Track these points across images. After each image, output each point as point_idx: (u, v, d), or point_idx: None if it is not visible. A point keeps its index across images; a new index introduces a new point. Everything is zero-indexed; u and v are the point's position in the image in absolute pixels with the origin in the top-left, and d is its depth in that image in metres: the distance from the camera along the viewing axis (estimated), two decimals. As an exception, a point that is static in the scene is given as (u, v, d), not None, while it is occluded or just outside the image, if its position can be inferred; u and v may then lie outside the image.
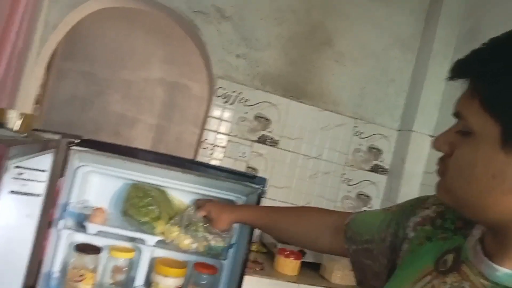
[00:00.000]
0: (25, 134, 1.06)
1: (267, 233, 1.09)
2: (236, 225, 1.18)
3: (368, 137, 2.41)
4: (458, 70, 0.54)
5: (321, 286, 1.85)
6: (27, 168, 1.05)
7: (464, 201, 0.53)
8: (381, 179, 2.44)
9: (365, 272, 0.81)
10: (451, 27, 2.35)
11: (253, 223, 1.05)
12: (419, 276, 0.61)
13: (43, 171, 1.06)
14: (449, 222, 0.65)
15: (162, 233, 1.10)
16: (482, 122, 0.50)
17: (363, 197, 2.42)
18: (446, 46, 2.34)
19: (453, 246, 0.61)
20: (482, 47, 0.52)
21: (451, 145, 0.55)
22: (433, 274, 0.59)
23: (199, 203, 1.14)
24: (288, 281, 1.81)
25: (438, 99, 2.33)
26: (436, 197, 0.70)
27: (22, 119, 1.10)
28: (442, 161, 0.58)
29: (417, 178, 2.30)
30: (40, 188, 1.05)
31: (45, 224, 1.04)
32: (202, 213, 1.10)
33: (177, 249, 1.11)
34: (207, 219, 1.10)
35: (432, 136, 2.31)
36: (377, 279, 0.77)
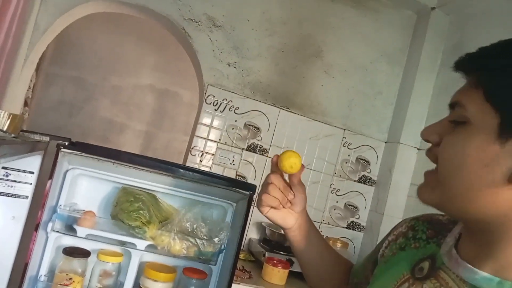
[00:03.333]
0: (14, 135, 1.05)
1: (299, 250, 0.85)
2: (226, 228, 1.18)
3: (356, 148, 2.44)
4: (465, 62, 0.55)
5: (308, 296, 1.85)
6: (14, 170, 1.03)
7: (452, 193, 0.53)
8: (369, 190, 2.46)
9: None
10: (437, 42, 2.41)
11: (306, 228, 0.84)
12: (396, 284, 0.61)
13: (31, 172, 1.05)
14: (420, 232, 0.67)
15: (152, 238, 1.09)
16: (482, 111, 0.51)
17: (351, 208, 2.44)
18: (432, 61, 2.40)
19: (427, 254, 0.62)
20: (491, 45, 0.54)
21: (441, 136, 0.56)
22: (410, 281, 0.60)
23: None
24: (275, 290, 1.80)
25: (425, 112, 2.38)
26: (406, 219, 0.73)
27: (10, 119, 1.09)
28: (431, 152, 0.58)
29: (403, 190, 2.33)
30: (28, 190, 1.04)
31: (32, 226, 1.02)
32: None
33: (167, 253, 1.10)
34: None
35: (419, 149, 2.35)
36: None
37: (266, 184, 0.79)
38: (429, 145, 0.59)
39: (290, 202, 0.80)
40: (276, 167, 0.79)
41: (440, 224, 0.66)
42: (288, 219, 0.81)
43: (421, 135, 0.59)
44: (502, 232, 0.51)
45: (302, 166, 0.79)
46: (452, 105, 0.56)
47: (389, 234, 0.75)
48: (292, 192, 0.80)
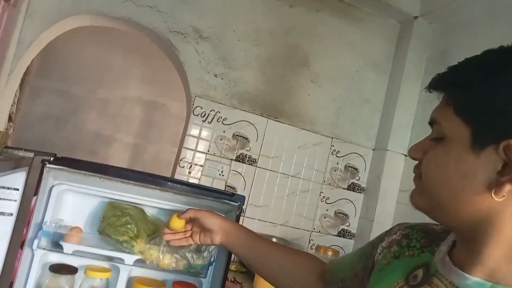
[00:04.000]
0: (-2, 152, 1.03)
1: (244, 259, 0.97)
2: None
3: (344, 156, 2.46)
4: (437, 82, 0.59)
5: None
6: (-2, 187, 1.02)
7: (437, 202, 0.57)
8: (358, 197, 2.48)
9: None
10: (421, 50, 2.45)
11: (238, 240, 0.96)
12: None
13: (15, 189, 1.03)
14: (414, 241, 0.69)
15: (141, 253, 1.08)
16: (455, 126, 0.55)
17: (341, 215, 2.45)
18: (417, 69, 2.44)
19: (421, 263, 0.63)
20: (458, 63, 0.58)
21: (425, 153, 0.60)
22: None
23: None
24: (267, 301, 1.78)
25: (411, 118, 2.41)
26: (400, 225, 0.75)
27: (-6, 136, 1.08)
28: (417, 168, 0.62)
29: (392, 196, 2.35)
30: (12, 207, 1.02)
31: (17, 244, 1.00)
32: (190, 213, 1.00)
33: (156, 268, 1.09)
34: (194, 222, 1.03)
35: (406, 156, 2.38)
36: None
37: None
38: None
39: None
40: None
41: (434, 234, 0.68)
42: (214, 237, 0.99)
43: (408, 153, 0.64)
44: (488, 237, 0.53)
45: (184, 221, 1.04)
46: (431, 123, 0.60)
47: (382, 239, 0.76)
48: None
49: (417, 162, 0.62)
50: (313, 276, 0.89)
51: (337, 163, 2.44)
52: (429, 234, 0.68)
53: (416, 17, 2.44)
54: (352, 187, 2.47)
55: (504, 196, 0.50)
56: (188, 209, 1.02)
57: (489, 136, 0.51)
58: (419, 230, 0.70)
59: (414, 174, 0.63)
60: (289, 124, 2.35)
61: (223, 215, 1.07)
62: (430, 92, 0.60)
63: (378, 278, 0.69)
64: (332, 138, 2.43)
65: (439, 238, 0.65)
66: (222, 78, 2.24)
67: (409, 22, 2.49)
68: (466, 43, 2.12)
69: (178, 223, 1.02)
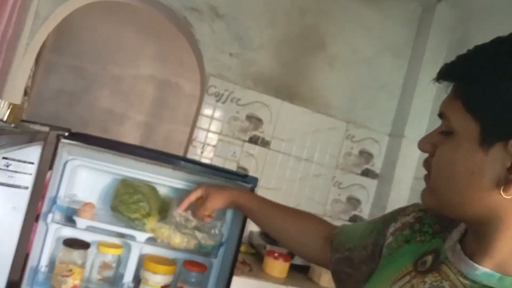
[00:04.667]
0: (14, 125, 1.03)
1: (258, 224, 1.02)
2: (227, 221, 1.17)
3: (359, 141, 2.42)
4: (444, 73, 0.57)
5: (309, 289, 1.85)
6: (14, 160, 1.02)
7: (446, 199, 0.56)
8: (372, 183, 2.45)
9: (344, 282, 0.83)
10: (442, 36, 2.38)
11: (248, 208, 1.00)
12: (398, 276, 0.62)
13: (31, 163, 1.03)
14: (427, 226, 0.68)
15: (152, 231, 1.08)
16: (463, 121, 0.53)
17: (353, 201, 2.43)
18: (437, 54, 2.37)
19: (431, 248, 0.63)
20: (467, 52, 0.55)
21: (434, 146, 0.58)
22: (412, 274, 0.61)
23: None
24: (276, 283, 1.79)
25: (429, 105, 2.36)
26: (415, 206, 0.74)
27: (10, 109, 1.07)
28: (427, 162, 0.61)
29: (407, 183, 2.32)
30: (27, 180, 1.02)
31: (32, 217, 1.01)
32: (197, 193, 1.03)
33: (167, 246, 1.09)
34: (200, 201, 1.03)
35: (422, 142, 2.34)
36: None
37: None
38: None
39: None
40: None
41: (447, 220, 0.67)
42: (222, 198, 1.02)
43: (418, 146, 0.62)
44: (498, 232, 0.52)
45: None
46: (440, 115, 0.58)
47: (395, 218, 0.75)
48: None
49: (427, 155, 0.61)
50: (321, 240, 0.89)
51: (352, 148, 2.41)
52: (442, 219, 0.67)
53: (439, 1, 2.36)
54: (366, 173, 2.44)
55: None
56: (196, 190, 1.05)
57: (498, 133, 0.50)
58: (433, 215, 0.70)
59: (423, 163, 0.62)
60: (303, 107, 2.31)
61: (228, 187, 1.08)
62: (438, 83, 0.58)
63: (388, 261, 0.69)
64: (347, 122, 2.39)
65: (451, 224, 0.65)
66: (237, 58, 2.21)
67: (431, 6, 2.40)
68: (489, 30, 2.05)
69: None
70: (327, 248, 0.86)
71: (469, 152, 0.52)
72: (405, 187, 2.32)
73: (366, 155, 2.44)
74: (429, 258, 0.60)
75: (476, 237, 0.56)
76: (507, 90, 0.49)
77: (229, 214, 1.19)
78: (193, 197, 1.03)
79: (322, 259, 0.88)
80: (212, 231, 1.11)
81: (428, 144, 0.59)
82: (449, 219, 0.66)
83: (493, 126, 0.50)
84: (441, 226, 0.66)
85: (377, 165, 2.45)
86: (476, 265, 0.53)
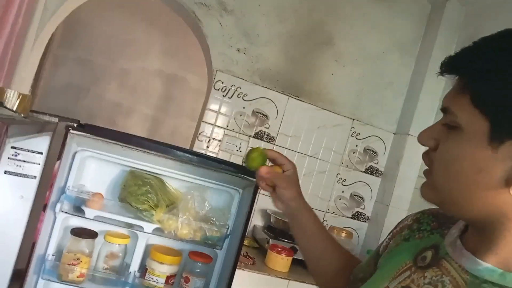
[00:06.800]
0: (23, 115, 1.05)
1: (299, 235, 0.90)
2: (232, 213, 1.19)
3: (364, 138, 2.42)
4: (449, 66, 0.55)
5: (311, 284, 1.86)
6: (23, 150, 1.04)
7: (449, 196, 0.54)
8: (375, 181, 2.45)
9: None
10: (451, 34, 2.37)
11: (303, 213, 0.89)
12: (398, 272, 0.62)
13: (39, 153, 1.05)
14: (425, 224, 0.68)
15: (160, 222, 1.09)
16: (471, 118, 0.51)
17: (357, 198, 2.43)
18: (446, 53, 2.30)
19: (430, 244, 0.62)
20: (472, 45, 0.53)
21: (436, 140, 0.56)
22: (412, 269, 0.60)
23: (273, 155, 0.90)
24: (278, 277, 1.81)
25: (435, 104, 2.35)
26: (413, 214, 0.74)
27: (20, 99, 1.09)
28: (427, 155, 0.59)
29: (410, 182, 2.32)
30: (36, 170, 1.04)
31: (40, 206, 1.03)
32: (278, 169, 0.88)
33: (174, 237, 1.10)
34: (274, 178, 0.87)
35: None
36: None
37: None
38: None
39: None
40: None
41: (444, 217, 0.67)
42: (289, 186, 0.88)
43: (418, 139, 0.59)
44: (503, 229, 0.52)
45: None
46: (444, 110, 0.56)
47: (394, 228, 0.76)
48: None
49: (426, 148, 0.59)
50: (343, 272, 0.87)
51: (356, 145, 2.41)
52: (440, 217, 0.67)
53: (448, -2, 2.35)
54: (370, 170, 2.44)
55: None
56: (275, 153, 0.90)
57: (509, 130, 0.48)
58: (429, 214, 0.70)
59: (423, 156, 0.61)
60: (309, 103, 2.32)
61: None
62: (442, 75, 0.56)
63: (387, 259, 0.69)
64: (353, 119, 2.40)
65: (449, 221, 0.65)
66: (244, 53, 2.21)
67: (441, 3, 2.39)
68: (498, 27, 2.01)
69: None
70: (344, 282, 0.85)
71: (477, 149, 0.50)
72: (409, 186, 2.32)
73: (370, 153, 2.44)
74: (429, 254, 0.60)
75: (478, 233, 0.55)
76: None
77: (234, 205, 1.20)
78: (283, 159, 0.89)
79: (338, 284, 0.87)
80: (222, 224, 1.12)
81: (431, 138, 0.57)
82: (447, 216, 0.67)
83: (504, 123, 0.48)
84: (439, 223, 0.66)
85: (381, 163, 2.45)
86: (478, 260, 0.53)
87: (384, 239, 0.78)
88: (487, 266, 0.52)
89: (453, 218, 0.65)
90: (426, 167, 0.60)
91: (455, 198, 0.53)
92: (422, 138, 0.58)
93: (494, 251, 0.53)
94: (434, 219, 0.67)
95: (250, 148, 0.84)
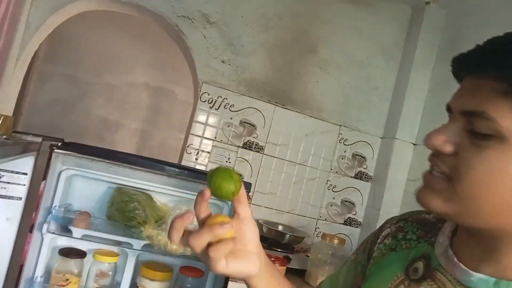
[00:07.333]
0: (5, 136, 1.03)
1: None
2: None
3: (352, 144, 2.44)
4: (480, 62, 0.47)
5: (305, 292, 1.85)
6: (7, 171, 1.02)
7: (475, 209, 0.48)
8: (365, 185, 2.47)
9: None
10: (432, 37, 2.41)
11: (272, 269, 0.67)
12: (391, 286, 0.59)
13: (24, 174, 1.04)
14: (410, 233, 0.65)
15: (149, 238, 1.08)
16: None
17: (348, 204, 2.44)
18: (428, 56, 2.40)
19: (420, 254, 0.60)
20: (504, 37, 0.47)
21: (456, 146, 0.49)
22: (405, 283, 0.58)
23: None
24: (273, 287, 1.79)
25: (420, 107, 2.38)
26: (389, 221, 0.71)
27: (2, 121, 1.08)
28: (441, 160, 0.51)
29: (400, 185, 2.33)
30: (21, 191, 1.03)
31: (27, 228, 1.01)
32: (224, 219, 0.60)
33: (164, 252, 1.10)
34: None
35: (415, 144, 2.35)
36: None
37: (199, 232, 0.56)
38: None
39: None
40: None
41: (429, 224, 0.64)
42: (252, 261, 0.61)
43: (427, 142, 0.51)
44: (509, 240, 0.50)
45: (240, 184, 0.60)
46: (472, 113, 0.47)
47: (377, 236, 0.71)
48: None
49: (430, 151, 0.52)
50: None
51: (345, 151, 2.43)
52: (424, 224, 0.65)
53: (428, 2, 2.39)
54: (360, 176, 2.46)
55: None
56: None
57: None
58: (413, 222, 0.66)
59: (422, 164, 0.58)
60: (296, 111, 2.33)
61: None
62: (460, 74, 0.50)
63: (374, 270, 0.66)
64: (340, 126, 2.41)
65: (434, 228, 0.62)
66: (229, 64, 2.22)
67: (421, 7, 2.44)
68: (479, 30, 2.08)
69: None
70: None
71: None
72: (398, 189, 2.33)
73: (359, 158, 2.46)
74: (420, 265, 0.58)
75: (474, 242, 0.53)
76: None
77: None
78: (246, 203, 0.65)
79: None
80: None
81: (447, 142, 0.49)
82: (431, 222, 0.64)
83: None
84: (424, 231, 0.63)
85: (370, 168, 2.47)
86: (470, 271, 0.51)
87: (361, 249, 0.74)
88: (480, 277, 0.50)
89: (437, 224, 0.62)
90: (426, 171, 0.53)
91: (481, 211, 0.47)
92: (435, 141, 0.50)
93: (493, 259, 0.51)
94: (418, 227, 0.65)
95: (211, 170, 0.59)
